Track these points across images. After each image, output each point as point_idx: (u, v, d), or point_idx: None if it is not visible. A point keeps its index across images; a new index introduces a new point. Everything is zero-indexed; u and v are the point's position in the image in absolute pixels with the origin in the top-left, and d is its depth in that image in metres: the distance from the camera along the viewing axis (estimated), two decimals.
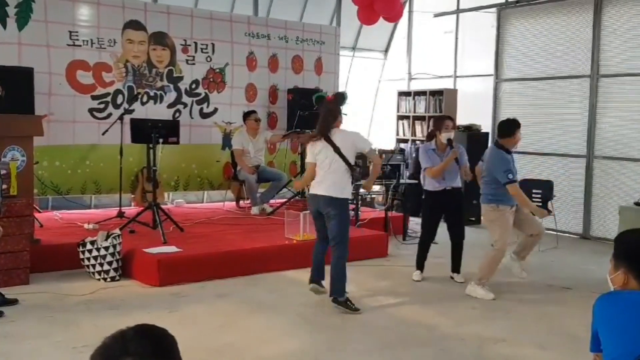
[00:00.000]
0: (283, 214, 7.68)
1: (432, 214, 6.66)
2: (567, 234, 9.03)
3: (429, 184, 6.58)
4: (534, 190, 8.54)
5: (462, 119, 10.41)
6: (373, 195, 10.42)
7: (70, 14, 8.14)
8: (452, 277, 6.66)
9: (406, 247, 8.01)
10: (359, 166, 5.46)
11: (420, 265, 6.65)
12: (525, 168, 9.66)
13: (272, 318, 5.28)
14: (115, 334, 1.37)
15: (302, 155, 9.42)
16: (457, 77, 11.22)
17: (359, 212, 8.63)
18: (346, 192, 5.48)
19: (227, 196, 9.73)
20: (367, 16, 8.49)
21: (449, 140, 6.47)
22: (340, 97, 5.83)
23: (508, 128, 6.22)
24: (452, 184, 6.56)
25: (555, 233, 8.51)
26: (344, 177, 5.41)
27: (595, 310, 2.48)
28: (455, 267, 6.70)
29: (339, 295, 5.42)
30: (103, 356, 1.32)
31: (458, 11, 11.08)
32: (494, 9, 10.21)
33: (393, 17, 8.71)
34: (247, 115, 9.09)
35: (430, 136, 6.74)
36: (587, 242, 8.90)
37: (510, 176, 5.92)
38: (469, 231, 9.40)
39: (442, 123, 6.53)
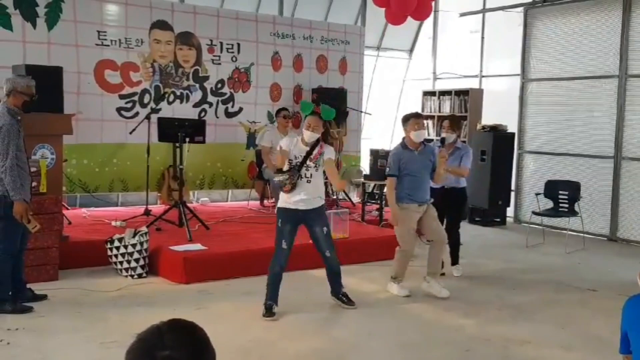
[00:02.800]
0: None
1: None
2: (593, 236, 8.93)
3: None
4: (560, 191, 8.48)
5: (488, 119, 10.34)
6: None
7: (99, 14, 8.26)
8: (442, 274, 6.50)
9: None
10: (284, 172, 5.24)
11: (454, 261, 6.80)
12: (552, 169, 9.58)
13: (297, 316, 5.31)
14: (151, 328, 1.39)
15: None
16: (483, 76, 11.15)
17: (383, 212, 8.62)
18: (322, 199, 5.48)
19: (251, 195, 9.79)
20: (395, 16, 8.45)
21: (443, 140, 6.57)
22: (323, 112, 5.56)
23: (402, 124, 5.98)
24: (450, 184, 6.55)
25: (582, 235, 8.42)
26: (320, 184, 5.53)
27: (625, 312, 2.47)
28: (453, 260, 6.79)
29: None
30: (140, 350, 1.34)
31: (484, 10, 11.00)
32: (520, 8, 10.13)
33: (421, 15, 8.66)
34: (277, 113, 9.12)
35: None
36: (614, 244, 8.79)
37: (387, 169, 5.89)
38: (489, 231, 9.36)
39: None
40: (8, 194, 4.90)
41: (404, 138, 5.99)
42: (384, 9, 8.54)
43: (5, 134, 4.86)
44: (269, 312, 5.20)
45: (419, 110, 11.34)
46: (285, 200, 5.30)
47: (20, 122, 5.04)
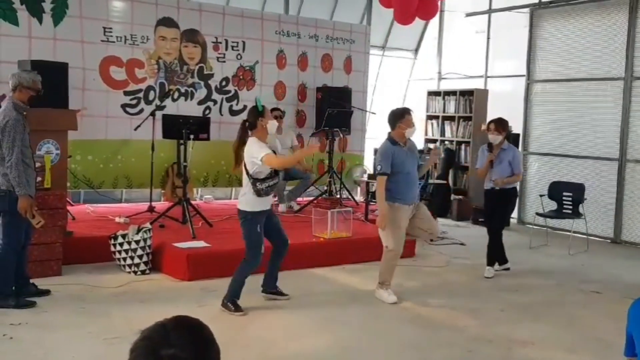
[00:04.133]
0: (310, 212, 7.72)
1: (486, 210, 7.00)
2: (597, 238, 8.90)
3: (485, 183, 6.85)
4: (564, 193, 8.46)
5: None
6: None
7: (105, 11, 8.26)
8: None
9: (433, 248, 7.97)
10: (262, 180, 5.10)
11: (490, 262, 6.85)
12: (556, 170, 9.56)
13: (300, 315, 5.30)
14: (155, 325, 1.37)
15: (330, 154, 9.44)
16: (488, 77, 11.13)
17: None
18: (243, 204, 5.25)
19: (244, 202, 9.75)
20: (401, 16, 8.45)
21: (490, 144, 6.73)
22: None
23: (391, 119, 5.80)
24: (502, 185, 6.67)
25: (585, 237, 8.40)
26: (245, 188, 5.28)
27: (630, 314, 2.45)
28: (489, 260, 6.81)
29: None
30: (145, 347, 1.33)
31: (490, 11, 10.99)
32: (526, 9, 10.11)
33: (426, 14, 8.66)
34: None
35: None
36: (618, 247, 8.77)
37: (379, 167, 5.69)
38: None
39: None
40: (13, 189, 4.90)
41: (390, 133, 5.78)
42: (392, 9, 8.54)
43: (11, 128, 4.86)
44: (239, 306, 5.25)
45: (424, 111, 11.37)
46: (261, 202, 5.21)
47: (25, 117, 5.05)
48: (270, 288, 5.63)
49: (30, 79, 5.11)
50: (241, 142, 5.28)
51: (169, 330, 1.36)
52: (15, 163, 4.85)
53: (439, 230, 6.07)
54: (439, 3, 8.75)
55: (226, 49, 9.26)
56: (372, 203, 8.98)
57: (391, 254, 5.76)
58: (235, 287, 5.27)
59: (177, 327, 1.37)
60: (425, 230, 5.98)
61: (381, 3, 8.53)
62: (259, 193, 5.12)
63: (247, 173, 5.17)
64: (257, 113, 5.25)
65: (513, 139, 9.92)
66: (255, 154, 5.09)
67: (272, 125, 5.25)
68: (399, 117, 5.74)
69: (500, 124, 6.79)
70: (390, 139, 5.76)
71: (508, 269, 6.92)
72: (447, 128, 11.07)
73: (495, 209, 6.77)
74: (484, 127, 6.86)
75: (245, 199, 5.23)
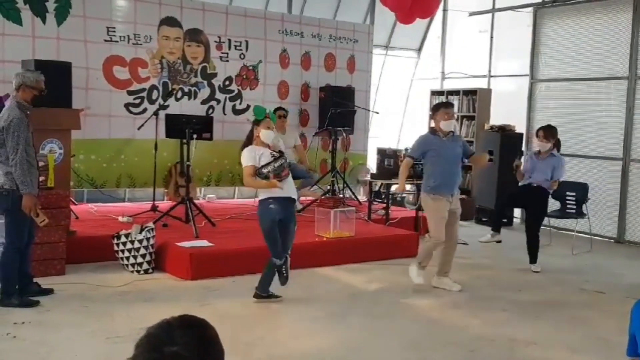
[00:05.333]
0: (313, 211, 7.72)
1: (509, 198, 7.42)
2: (601, 238, 8.89)
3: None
4: (568, 193, 8.44)
5: (496, 119, 10.32)
6: (404, 195, 10.39)
7: (108, 10, 8.27)
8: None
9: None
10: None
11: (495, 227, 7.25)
12: None
13: (302, 314, 5.30)
14: (161, 323, 1.39)
15: (333, 153, 9.43)
16: (492, 76, 11.11)
17: (389, 212, 8.61)
18: (260, 196, 5.51)
19: (257, 193, 9.77)
20: (401, 15, 8.46)
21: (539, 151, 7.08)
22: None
23: (431, 112, 6.35)
24: (539, 182, 6.96)
25: (589, 236, 8.39)
26: None
27: (633, 314, 2.45)
28: (531, 258, 7.07)
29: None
30: (149, 345, 1.34)
31: (493, 10, 10.97)
32: (530, 8, 10.09)
33: (424, 13, 8.66)
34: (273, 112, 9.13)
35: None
36: (621, 246, 8.75)
37: (407, 150, 6.18)
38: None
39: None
40: (17, 188, 4.91)
41: (432, 127, 6.14)
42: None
43: (15, 127, 4.87)
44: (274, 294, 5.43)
45: (427, 110, 11.36)
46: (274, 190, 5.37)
47: (29, 116, 5.06)
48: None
49: (34, 78, 5.12)
50: (248, 142, 5.40)
51: (173, 328, 1.37)
52: (19, 162, 4.86)
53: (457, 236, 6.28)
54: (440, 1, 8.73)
55: (229, 49, 9.26)
56: (375, 203, 8.99)
57: (430, 241, 6.04)
58: (266, 280, 5.44)
59: (182, 325, 1.39)
60: (450, 235, 6.13)
61: (381, 2, 8.54)
62: (267, 177, 5.18)
63: None
64: (254, 120, 5.42)
65: (516, 138, 9.93)
66: (243, 160, 5.30)
67: (264, 134, 5.29)
68: (435, 110, 6.20)
69: (548, 132, 7.04)
70: (431, 129, 6.18)
71: (499, 241, 7.43)
72: None
73: (527, 205, 7.20)
74: (517, 162, 7.40)
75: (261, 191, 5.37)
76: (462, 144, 6.19)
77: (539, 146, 7.05)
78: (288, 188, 5.31)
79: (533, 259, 7.06)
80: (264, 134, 5.29)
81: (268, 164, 5.19)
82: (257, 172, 5.19)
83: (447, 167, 5.94)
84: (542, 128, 7.17)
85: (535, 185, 7.00)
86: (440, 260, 6.21)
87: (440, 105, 6.22)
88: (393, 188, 8.57)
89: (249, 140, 5.38)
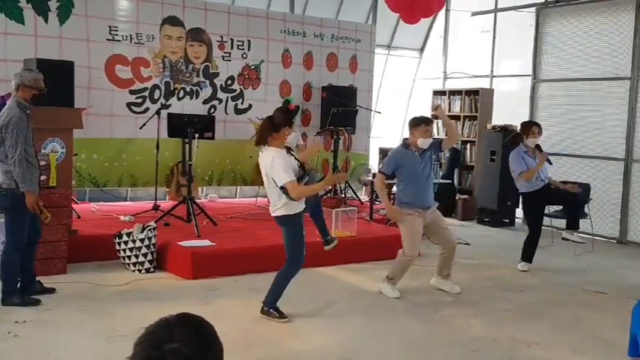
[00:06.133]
0: None
1: (537, 212, 7.06)
2: (602, 238, 8.88)
3: (525, 186, 6.88)
4: None
5: (498, 120, 10.31)
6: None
7: (110, 9, 8.28)
8: (564, 238, 7.17)
9: (437, 247, 7.93)
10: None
11: (526, 257, 7.05)
12: (562, 170, 9.51)
13: (302, 314, 5.30)
14: (160, 321, 1.40)
15: (335, 153, 9.43)
16: (494, 76, 11.10)
17: None
18: (282, 210, 4.92)
19: (259, 192, 9.79)
20: (404, 16, 8.46)
21: (537, 146, 6.89)
22: (294, 111, 5.29)
23: (409, 125, 5.90)
24: (545, 177, 6.96)
25: (590, 237, 8.37)
26: (273, 195, 4.93)
27: (635, 315, 2.44)
28: (572, 224, 7.10)
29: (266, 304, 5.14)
30: (148, 342, 1.35)
31: (496, 10, 10.95)
32: (532, 8, 10.08)
33: (425, 12, 8.65)
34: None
35: (514, 139, 7.19)
36: (623, 247, 8.74)
37: (381, 166, 6.02)
38: (498, 232, 9.34)
39: (529, 129, 6.94)
40: (16, 186, 4.92)
41: (406, 139, 5.96)
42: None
43: (14, 126, 4.89)
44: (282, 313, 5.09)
45: (429, 110, 11.34)
46: (298, 204, 4.97)
47: (29, 115, 5.07)
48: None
49: (32, 77, 5.14)
50: (262, 142, 4.94)
51: (173, 326, 1.38)
52: (18, 160, 4.88)
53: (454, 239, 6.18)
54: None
55: (231, 48, 9.27)
56: (376, 202, 8.98)
57: (405, 259, 5.84)
58: (277, 292, 5.09)
59: (181, 323, 1.40)
60: (445, 241, 6.07)
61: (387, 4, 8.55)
62: (292, 198, 4.85)
63: (274, 183, 4.84)
64: (289, 117, 5.01)
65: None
66: (277, 175, 4.77)
67: (292, 137, 5.07)
68: (415, 125, 5.83)
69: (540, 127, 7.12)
70: (404, 144, 5.94)
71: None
72: None
73: (556, 199, 7.17)
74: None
75: (283, 205, 4.89)
76: (434, 150, 5.96)
77: (533, 143, 6.93)
78: (303, 203, 5.05)
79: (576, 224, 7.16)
80: (292, 136, 5.08)
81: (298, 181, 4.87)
82: (284, 191, 4.78)
83: (418, 183, 5.76)
84: (539, 125, 7.15)
85: (547, 182, 6.98)
86: (439, 263, 6.13)
87: (422, 121, 5.84)
88: (383, 212, 8.37)
89: (265, 136, 4.88)
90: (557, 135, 9.73)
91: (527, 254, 7.06)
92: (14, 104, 5.01)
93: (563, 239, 7.23)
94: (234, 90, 9.35)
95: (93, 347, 4.39)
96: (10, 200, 4.98)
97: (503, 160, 9.58)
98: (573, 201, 7.13)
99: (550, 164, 7.10)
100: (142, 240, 6.24)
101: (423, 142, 5.76)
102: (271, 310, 5.08)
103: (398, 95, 12.51)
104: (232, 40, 9.26)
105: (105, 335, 4.56)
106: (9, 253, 5.11)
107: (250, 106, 9.48)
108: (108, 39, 8.25)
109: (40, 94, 5.20)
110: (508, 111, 10.36)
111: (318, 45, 10.06)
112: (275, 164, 4.78)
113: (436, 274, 6.19)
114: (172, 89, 8.62)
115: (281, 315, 5.05)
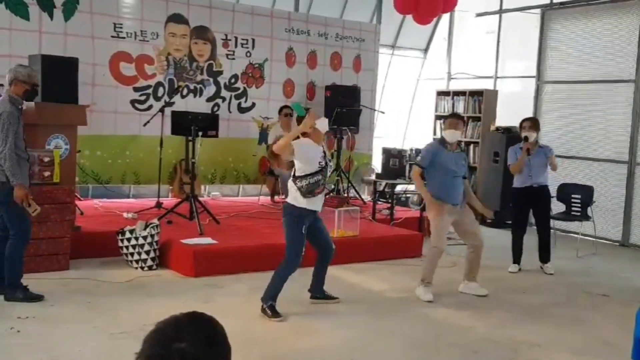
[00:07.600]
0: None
1: (518, 209, 7.15)
2: (605, 241, 8.86)
3: (516, 181, 7.05)
4: (573, 195, 8.42)
5: (502, 121, 10.30)
6: (408, 195, 10.38)
7: (115, 6, 8.28)
8: (541, 267, 7.12)
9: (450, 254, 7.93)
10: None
11: (513, 258, 7.06)
12: (565, 172, 9.51)
13: (305, 313, 5.30)
14: (170, 319, 1.38)
15: (338, 153, 9.43)
16: (498, 78, 11.08)
17: (394, 212, 8.61)
18: (290, 198, 5.11)
19: (262, 190, 9.79)
20: (417, 16, 8.49)
21: (526, 137, 6.93)
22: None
23: (443, 121, 6.31)
24: (537, 181, 6.93)
25: (593, 239, 8.37)
26: (290, 183, 5.16)
27: (638, 317, 2.44)
28: (544, 258, 7.13)
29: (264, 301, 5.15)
30: (156, 340, 1.34)
31: (501, 11, 10.94)
32: (537, 10, 10.06)
33: (431, 12, 8.68)
34: (279, 111, 9.17)
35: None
36: (626, 250, 8.72)
37: (418, 158, 6.21)
38: (501, 233, 9.31)
39: (521, 124, 7.07)
40: (7, 180, 4.95)
41: (442, 137, 6.11)
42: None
43: (5, 120, 4.92)
44: (276, 312, 5.11)
45: (433, 110, 11.35)
46: (307, 202, 5.03)
47: (21, 110, 5.09)
48: (319, 293, 5.55)
49: (26, 73, 5.15)
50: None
51: (182, 324, 1.37)
52: (8, 154, 4.90)
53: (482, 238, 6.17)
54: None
55: (236, 46, 9.27)
56: (379, 202, 8.98)
57: (432, 250, 5.90)
58: (274, 290, 5.10)
59: (190, 322, 1.39)
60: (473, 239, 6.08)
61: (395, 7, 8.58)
62: (300, 191, 4.98)
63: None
64: (297, 117, 5.34)
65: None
66: (302, 150, 5.06)
67: (321, 122, 5.22)
68: (443, 121, 6.28)
69: (535, 123, 7.13)
70: (440, 139, 6.16)
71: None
72: None
73: (536, 208, 7.10)
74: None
75: (292, 193, 5.07)
76: (465, 160, 6.11)
77: (525, 137, 6.95)
78: (317, 202, 5.11)
79: (548, 257, 7.16)
80: (321, 122, 5.18)
81: (305, 177, 4.98)
82: (294, 178, 5.02)
83: (446, 179, 5.83)
84: (530, 119, 7.21)
85: (536, 187, 6.95)
86: (467, 264, 6.11)
87: (449, 115, 6.40)
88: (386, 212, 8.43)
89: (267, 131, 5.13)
90: (561, 137, 9.72)
91: (513, 255, 7.13)
92: (6, 98, 5.05)
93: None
94: (238, 89, 9.35)
95: (95, 344, 4.39)
96: (2, 195, 5.00)
97: (506, 162, 9.57)
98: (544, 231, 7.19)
99: (527, 155, 6.84)
100: (144, 238, 6.24)
101: (447, 135, 5.91)
102: (265, 307, 5.09)
103: (402, 96, 12.50)
104: (236, 38, 9.26)
105: (108, 331, 4.56)
106: (15, 246, 5.12)
107: (253, 105, 9.49)
108: (113, 36, 8.26)
109: (33, 89, 5.22)
110: (512, 113, 10.32)
111: (322, 44, 10.06)
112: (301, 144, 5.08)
113: (464, 277, 6.14)
114: (175, 86, 8.63)
115: (274, 314, 5.05)
